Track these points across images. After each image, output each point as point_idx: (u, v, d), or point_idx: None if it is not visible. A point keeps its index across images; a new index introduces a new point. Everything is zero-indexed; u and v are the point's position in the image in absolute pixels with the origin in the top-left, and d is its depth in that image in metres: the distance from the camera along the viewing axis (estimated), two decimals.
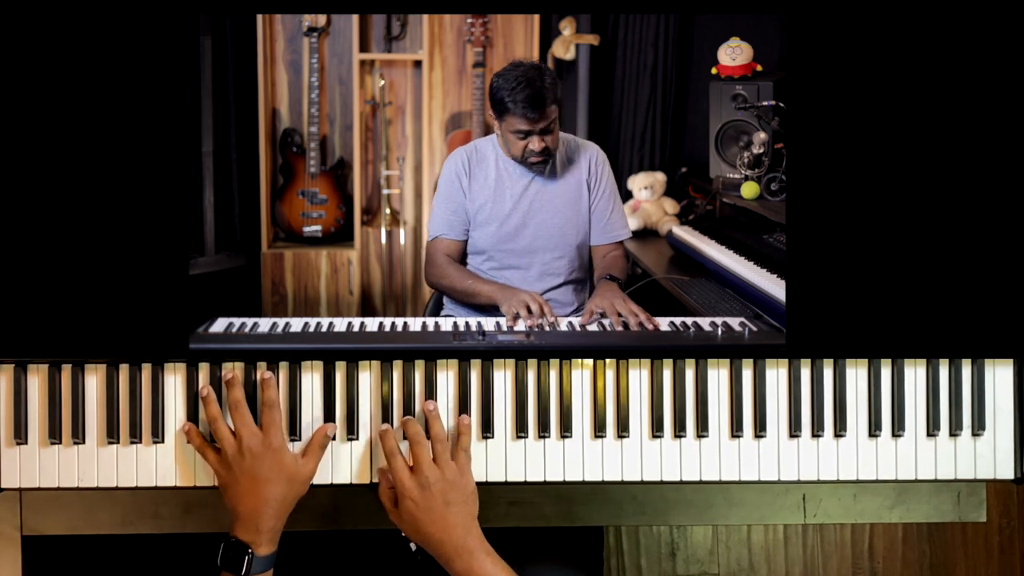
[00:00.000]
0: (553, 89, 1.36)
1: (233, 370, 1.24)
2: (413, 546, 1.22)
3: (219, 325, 1.32)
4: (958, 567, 2.20)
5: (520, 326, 1.32)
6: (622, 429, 1.26)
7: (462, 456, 1.22)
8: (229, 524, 1.20)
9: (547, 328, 1.32)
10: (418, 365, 1.27)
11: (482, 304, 1.39)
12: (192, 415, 1.25)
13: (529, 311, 1.33)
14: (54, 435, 1.24)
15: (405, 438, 1.23)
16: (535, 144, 1.37)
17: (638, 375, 1.27)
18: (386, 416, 1.26)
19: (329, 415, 1.26)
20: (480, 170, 1.40)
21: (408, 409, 1.26)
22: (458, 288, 1.41)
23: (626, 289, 1.42)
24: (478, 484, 1.24)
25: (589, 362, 1.27)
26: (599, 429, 1.27)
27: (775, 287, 1.31)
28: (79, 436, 1.25)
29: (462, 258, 1.43)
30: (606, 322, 1.33)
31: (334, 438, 1.26)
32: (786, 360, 1.27)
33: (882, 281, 1.24)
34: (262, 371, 1.24)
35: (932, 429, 1.27)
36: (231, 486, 1.20)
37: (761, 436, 1.27)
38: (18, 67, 1.21)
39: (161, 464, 1.25)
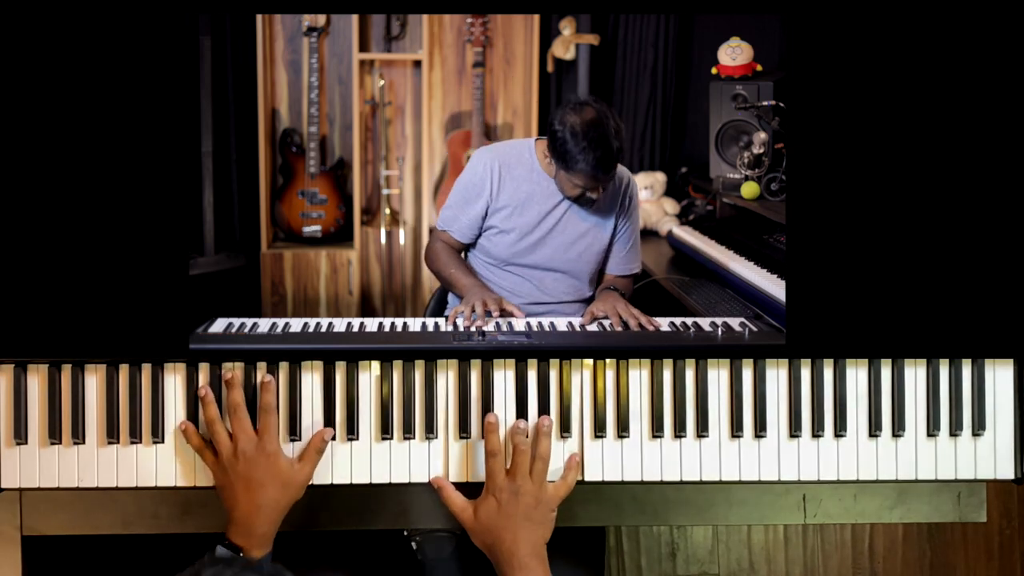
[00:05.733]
0: (620, 141, 1.32)
1: (233, 370, 1.24)
2: (414, 544, 1.22)
3: (219, 325, 1.32)
4: (958, 567, 2.20)
5: (474, 323, 1.31)
6: (622, 429, 1.26)
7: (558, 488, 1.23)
8: (224, 525, 1.20)
9: (503, 328, 1.31)
10: (418, 365, 1.27)
11: (459, 295, 1.38)
12: (192, 415, 1.25)
13: (474, 311, 1.32)
14: (54, 435, 1.24)
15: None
16: (593, 194, 1.35)
17: (638, 375, 1.27)
18: (386, 416, 1.25)
19: (329, 416, 1.25)
20: (512, 180, 1.38)
21: (409, 410, 1.26)
22: (443, 274, 1.40)
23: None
24: (478, 484, 1.24)
25: (589, 362, 1.27)
26: (599, 429, 1.26)
27: (775, 287, 1.31)
28: (79, 436, 1.25)
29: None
30: (607, 323, 1.33)
31: (334, 439, 1.25)
32: (786, 360, 1.27)
33: (882, 281, 1.24)
34: (262, 374, 1.24)
35: (932, 429, 1.27)
36: (226, 488, 1.20)
37: (761, 436, 1.27)
38: (17, 67, 1.21)
39: (161, 464, 1.25)
